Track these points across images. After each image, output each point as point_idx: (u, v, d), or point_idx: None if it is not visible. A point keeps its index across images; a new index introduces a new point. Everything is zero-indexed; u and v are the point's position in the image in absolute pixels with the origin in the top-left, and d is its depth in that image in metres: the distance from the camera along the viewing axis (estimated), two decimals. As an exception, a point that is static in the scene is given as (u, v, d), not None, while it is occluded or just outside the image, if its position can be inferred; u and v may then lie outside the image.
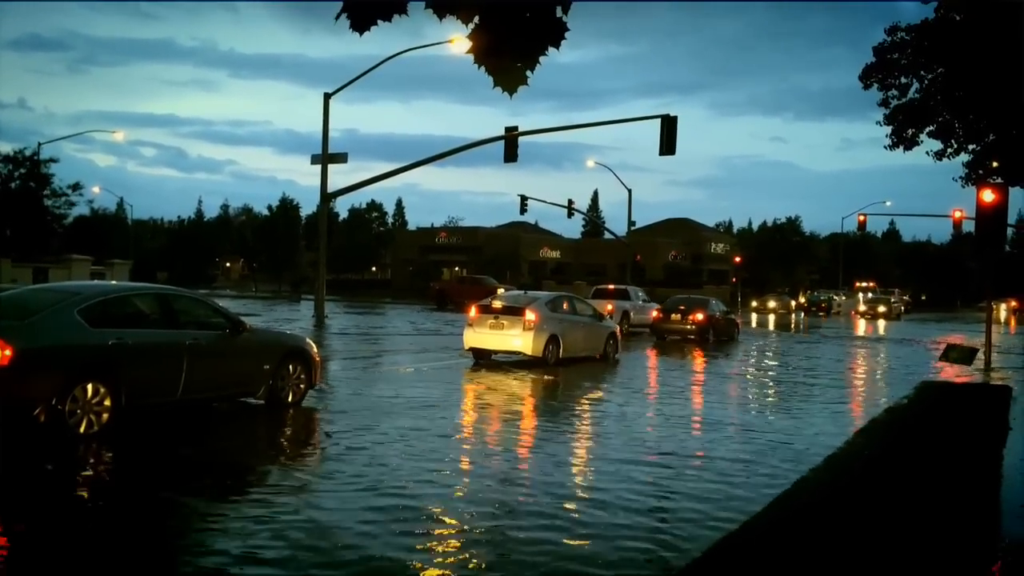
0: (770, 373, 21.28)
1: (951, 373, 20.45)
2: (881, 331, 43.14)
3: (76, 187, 45.26)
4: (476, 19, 3.71)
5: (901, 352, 29.17)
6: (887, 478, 8.37)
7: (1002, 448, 10.33)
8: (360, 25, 3.88)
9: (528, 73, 3.80)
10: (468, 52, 3.85)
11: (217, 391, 11.62)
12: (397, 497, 7.74)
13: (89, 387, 9.48)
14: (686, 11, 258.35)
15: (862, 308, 67.00)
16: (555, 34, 3.70)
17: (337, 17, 3.88)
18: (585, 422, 12.78)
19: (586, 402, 14.93)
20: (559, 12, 3.68)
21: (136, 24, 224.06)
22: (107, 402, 9.65)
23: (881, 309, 64.86)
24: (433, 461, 9.34)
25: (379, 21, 3.90)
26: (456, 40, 26.10)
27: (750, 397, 16.66)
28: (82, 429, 9.38)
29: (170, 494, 7.71)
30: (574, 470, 9.60)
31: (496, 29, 3.66)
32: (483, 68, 3.86)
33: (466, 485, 8.48)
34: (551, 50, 3.84)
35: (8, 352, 8.84)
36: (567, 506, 7.69)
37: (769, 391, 17.72)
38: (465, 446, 10.69)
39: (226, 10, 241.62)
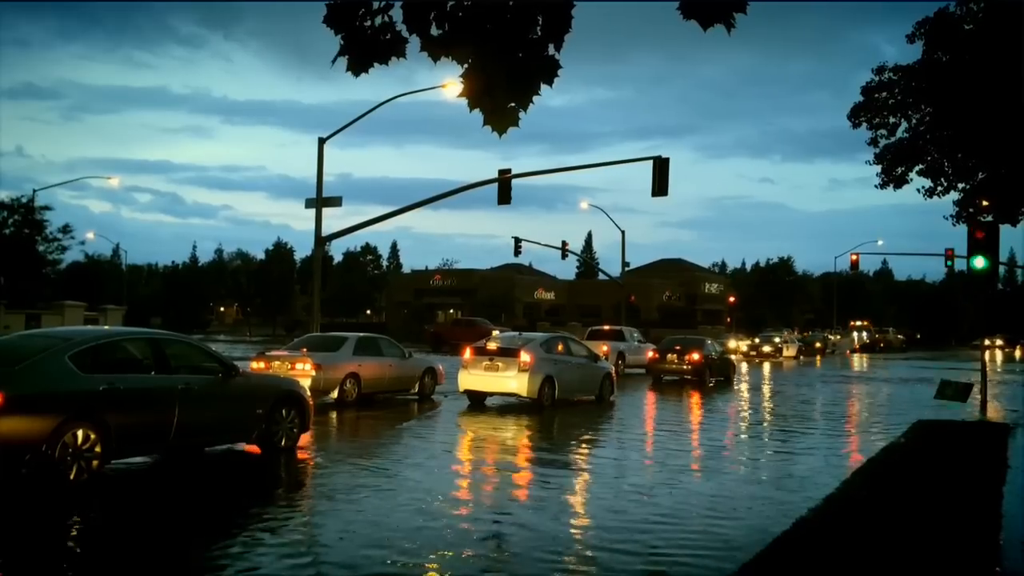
0: (767, 413, 21.17)
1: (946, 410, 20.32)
2: (874, 370, 43.02)
3: (66, 229, 45.37)
4: (470, 60, 3.72)
5: (893, 391, 29.05)
6: (887, 517, 8.28)
7: (1002, 486, 10.25)
8: (358, 68, 3.90)
9: (520, 113, 3.80)
10: (461, 95, 3.83)
11: (209, 436, 11.51)
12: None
13: (80, 433, 9.37)
14: (669, 57, 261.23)
15: (744, 349, 52.30)
16: (548, 72, 3.71)
17: (334, 60, 3.88)
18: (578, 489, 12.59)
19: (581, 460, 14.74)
20: (551, 50, 3.70)
21: (129, 72, 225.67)
22: (98, 448, 9.54)
23: (766, 350, 51.54)
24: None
25: (375, 64, 3.91)
26: (449, 84, 26.28)
27: (748, 437, 16.51)
28: (72, 476, 9.26)
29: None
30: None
31: (490, 68, 3.67)
32: (476, 110, 3.85)
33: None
34: (543, 92, 3.83)
35: (-2, 398, 8.74)
36: None
37: (766, 431, 17.60)
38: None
39: (219, 58, 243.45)
